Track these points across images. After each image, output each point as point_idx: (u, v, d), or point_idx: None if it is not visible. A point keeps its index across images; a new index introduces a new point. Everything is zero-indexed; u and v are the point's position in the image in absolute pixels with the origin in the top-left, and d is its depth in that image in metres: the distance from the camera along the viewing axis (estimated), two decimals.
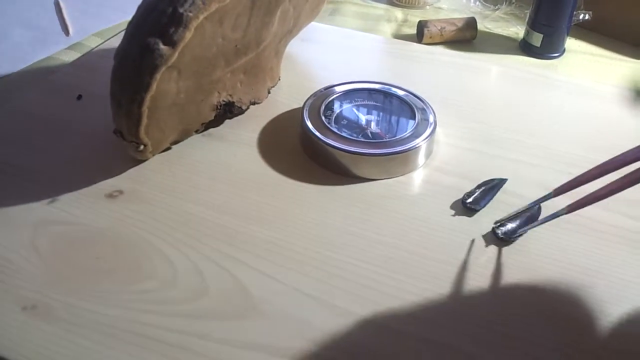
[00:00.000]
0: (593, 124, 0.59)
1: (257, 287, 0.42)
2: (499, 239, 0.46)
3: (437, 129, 0.54)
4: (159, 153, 0.53)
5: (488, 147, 0.56)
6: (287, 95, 0.62)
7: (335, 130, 0.53)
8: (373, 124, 0.54)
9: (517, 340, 0.39)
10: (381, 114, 0.56)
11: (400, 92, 0.58)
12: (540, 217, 0.46)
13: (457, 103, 0.62)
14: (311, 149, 0.54)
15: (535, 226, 0.45)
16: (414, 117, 0.55)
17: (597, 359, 0.38)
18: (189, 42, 0.45)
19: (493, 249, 0.45)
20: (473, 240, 0.46)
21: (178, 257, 0.44)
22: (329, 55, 0.70)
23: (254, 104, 0.59)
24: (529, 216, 0.47)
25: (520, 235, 0.46)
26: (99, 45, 0.72)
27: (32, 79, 0.67)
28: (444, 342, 0.39)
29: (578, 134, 0.58)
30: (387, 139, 0.52)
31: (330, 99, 0.57)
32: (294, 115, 0.58)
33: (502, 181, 0.51)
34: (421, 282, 0.43)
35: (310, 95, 0.57)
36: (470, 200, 0.49)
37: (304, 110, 0.55)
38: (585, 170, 0.41)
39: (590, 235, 0.47)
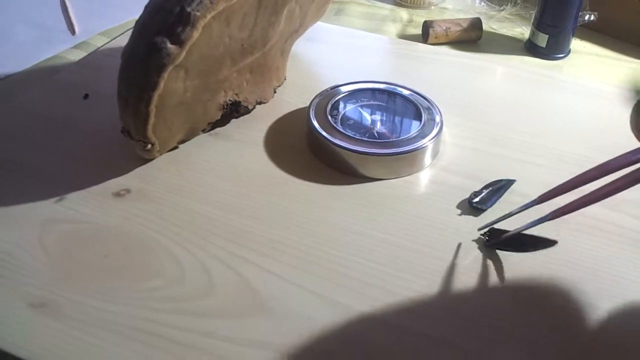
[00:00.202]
0: (598, 125, 0.59)
1: (263, 285, 0.42)
2: (486, 245, 0.46)
3: (444, 129, 0.54)
4: (166, 152, 0.53)
5: (494, 147, 0.56)
6: (293, 94, 0.62)
7: (342, 130, 0.53)
8: (379, 124, 0.54)
9: (515, 336, 0.39)
10: (387, 113, 0.56)
11: (406, 92, 0.58)
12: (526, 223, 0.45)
13: (462, 103, 0.62)
14: (317, 149, 0.54)
15: (520, 231, 0.44)
16: (420, 117, 0.55)
17: (591, 353, 0.39)
18: (196, 41, 0.45)
19: (501, 254, 0.45)
20: (478, 240, 0.46)
21: (185, 256, 0.44)
22: (334, 55, 0.70)
23: (260, 103, 0.60)
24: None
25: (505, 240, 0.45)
26: (105, 44, 0.72)
27: (38, 77, 0.67)
28: (450, 340, 0.39)
29: (583, 135, 0.58)
30: (394, 139, 0.52)
31: (337, 98, 0.57)
32: (300, 115, 0.58)
33: (509, 182, 0.51)
34: (427, 281, 0.43)
35: (317, 95, 0.57)
36: (476, 200, 0.49)
37: (310, 110, 0.55)
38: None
39: (585, 232, 0.47)
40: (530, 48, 0.78)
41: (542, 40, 0.75)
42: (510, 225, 0.45)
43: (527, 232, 0.44)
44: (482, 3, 0.87)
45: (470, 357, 0.38)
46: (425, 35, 0.79)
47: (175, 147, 0.54)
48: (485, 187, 0.50)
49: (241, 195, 0.50)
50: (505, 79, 0.67)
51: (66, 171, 0.51)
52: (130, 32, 0.48)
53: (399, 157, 0.51)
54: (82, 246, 0.45)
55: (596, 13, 0.77)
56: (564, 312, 0.41)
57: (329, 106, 0.55)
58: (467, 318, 0.40)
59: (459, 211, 0.49)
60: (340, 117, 0.55)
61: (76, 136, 0.56)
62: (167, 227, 0.46)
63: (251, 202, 0.49)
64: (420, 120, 0.54)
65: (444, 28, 0.78)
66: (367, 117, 0.55)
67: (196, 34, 0.45)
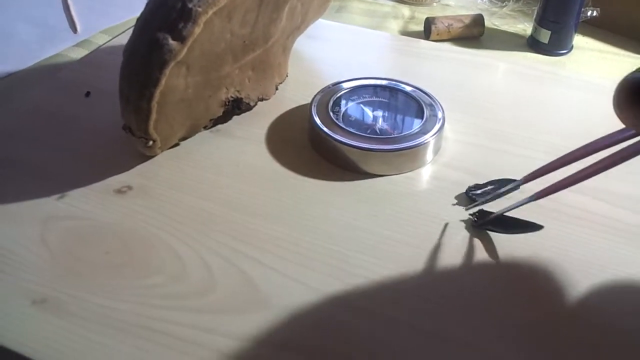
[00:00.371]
0: (601, 121, 0.59)
1: (265, 281, 0.42)
2: (474, 225, 0.47)
3: (446, 125, 0.54)
4: (167, 149, 0.53)
5: (496, 144, 0.56)
6: (294, 91, 0.62)
7: (344, 126, 0.53)
8: (381, 120, 0.54)
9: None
10: (389, 110, 0.56)
11: (408, 89, 0.58)
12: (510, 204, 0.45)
13: (464, 99, 0.62)
14: (319, 145, 0.54)
15: (506, 210, 0.44)
16: (422, 113, 0.54)
17: (573, 334, 0.39)
18: (198, 37, 0.45)
19: (500, 245, 0.45)
20: (479, 237, 0.46)
21: (186, 252, 0.44)
22: (336, 52, 0.70)
23: (261, 100, 0.59)
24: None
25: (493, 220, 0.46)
26: (106, 42, 0.72)
27: (40, 76, 0.67)
28: (447, 335, 0.39)
29: (586, 131, 0.57)
30: (395, 135, 0.52)
31: (338, 95, 0.57)
32: (301, 112, 0.58)
33: (515, 187, 0.50)
34: (431, 278, 0.43)
35: (318, 92, 0.57)
36: (477, 192, 0.49)
37: (312, 107, 0.55)
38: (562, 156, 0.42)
39: (573, 224, 0.47)
40: (532, 44, 0.78)
41: (545, 36, 0.75)
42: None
43: (515, 216, 0.45)
44: None
45: (487, 356, 0.38)
46: (427, 31, 0.79)
47: (177, 144, 0.54)
48: (490, 182, 0.50)
49: (243, 191, 0.50)
50: (508, 76, 0.67)
51: (68, 168, 0.51)
52: (131, 31, 0.48)
53: (400, 153, 0.51)
54: (84, 243, 0.45)
55: (598, 9, 0.76)
56: (554, 300, 0.41)
57: (331, 103, 0.55)
58: (476, 314, 0.40)
59: (461, 207, 0.48)
60: (342, 114, 0.55)
61: (78, 133, 0.56)
62: (168, 224, 0.46)
63: (253, 198, 0.49)
64: (422, 117, 0.54)
65: (446, 24, 0.78)
66: (369, 113, 0.55)
67: (198, 30, 0.45)
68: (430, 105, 0.56)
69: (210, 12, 0.45)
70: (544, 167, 0.42)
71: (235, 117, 0.58)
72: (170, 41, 0.44)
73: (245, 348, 0.38)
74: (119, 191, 0.49)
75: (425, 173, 0.52)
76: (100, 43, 0.72)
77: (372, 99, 0.57)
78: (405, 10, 0.87)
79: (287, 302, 0.41)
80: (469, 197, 0.49)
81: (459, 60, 0.69)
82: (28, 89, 0.63)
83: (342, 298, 0.41)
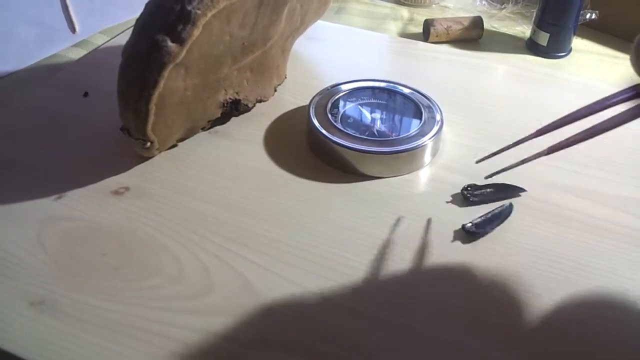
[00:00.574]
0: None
1: (262, 284, 0.42)
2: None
3: (444, 127, 0.54)
4: (166, 150, 0.53)
5: (494, 146, 0.55)
6: (293, 93, 0.62)
7: (342, 128, 0.53)
8: (379, 122, 0.54)
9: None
10: (387, 112, 0.56)
11: (407, 91, 0.58)
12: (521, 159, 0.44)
13: (463, 102, 0.62)
14: (317, 147, 0.54)
15: (514, 166, 0.43)
16: (420, 116, 0.54)
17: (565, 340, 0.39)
18: (197, 39, 0.45)
19: (499, 248, 0.45)
20: (475, 240, 0.46)
21: (184, 254, 0.44)
22: (335, 54, 0.70)
23: (260, 101, 0.59)
24: (499, 212, 0.48)
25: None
26: (105, 42, 0.72)
27: (38, 76, 0.67)
28: (445, 338, 0.39)
29: None
30: (394, 137, 0.52)
31: (337, 97, 0.57)
32: (300, 113, 0.58)
33: (516, 190, 0.50)
34: (429, 280, 0.43)
35: (317, 94, 0.57)
36: (475, 193, 0.49)
37: (311, 108, 0.55)
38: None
39: (564, 225, 0.47)
40: (531, 47, 0.78)
41: (543, 38, 0.75)
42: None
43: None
44: (483, 1, 0.87)
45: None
46: (426, 33, 0.79)
47: (175, 145, 0.54)
48: (488, 186, 0.50)
49: (241, 193, 0.50)
50: (506, 78, 0.67)
51: (65, 169, 0.51)
52: (130, 31, 0.48)
53: (398, 155, 0.51)
54: (81, 244, 0.45)
55: (597, 11, 0.76)
56: (551, 303, 0.41)
57: (329, 104, 0.55)
58: (473, 317, 0.40)
59: (459, 209, 0.48)
60: (340, 116, 0.55)
61: (76, 134, 0.56)
62: (166, 225, 0.46)
63: (251, 200, 0.49)
64: (421, 119, 0.54)
65: (445, 26, 0.78)
66: (367, 115, 0.55)
67: (197, 33, 0.45)
68: (429, 107, 0.56)
69: (209, 15, 0.45)
70: (555, 121, 0.41)
71: (233, 119, 0.58)
72: (169, 43, 0.44)
73: (242, 350, 0.38)
74: (117, 192, 0.49)
75: (423, 175, 0.52)
76: (99, 43, 0.72)
77: (370, 101, 0.57)
78: (404, 12, 0.87)
79: (285, 304, 0.41)
80: (463, 195, 0.49)
81: (458, 63, 0.69)
82: (27, 89, 0.63)
83: (339, 300, 0.41)
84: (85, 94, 0.61)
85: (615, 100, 0.37)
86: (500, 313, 0.41)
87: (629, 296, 0.42)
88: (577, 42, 0.78)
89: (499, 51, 0.77)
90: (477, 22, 0.79)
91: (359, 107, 0.56)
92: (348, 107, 0.56)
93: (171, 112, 0.49)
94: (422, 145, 0.51)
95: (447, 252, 0.45)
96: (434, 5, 0.89)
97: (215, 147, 0.55)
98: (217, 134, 0.56)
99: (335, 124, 0.53)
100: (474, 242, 0.46)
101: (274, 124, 0.58)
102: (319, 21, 0.67)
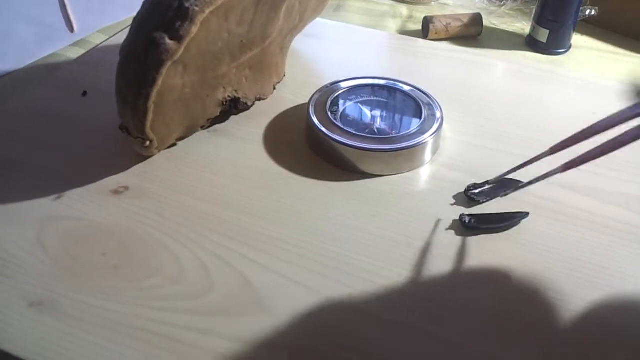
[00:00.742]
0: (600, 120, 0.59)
1: (263, 283, 0.42)
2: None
3: (444, 124, 0.54)
4: (165, 149, 0.53)
5: (495, 143, 0.56)
6: (292, 91, 0.62)
7: (342, 126, 0.52)
8: (379, 120, 0.54)
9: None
10: (387, 109, 0.56)
11: (406, 88, 0.58)
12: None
13: (463, 99, 0.62)
14: (317, 145, 0.53)
15: (527, 185, 0.44)
16: (420, 113, 0.54)
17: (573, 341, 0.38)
18: (195, 36, 0.45)
19: (499, 246, 0.45)
20: (477, 238, 0.46)
21: (183, 253, 0.44)
22: (334, 51, 0.70)
23: (259, 99, 0.59)
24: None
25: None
26: (103, 41, 0.72)
27: (37, 75, 0.67)
28: (446, 336, 0.39)
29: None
30: (394, 135, 0.52)
31: (336, 94, 0.57)
32: (299, 111, 0.58)
33: (515, 183, 0.50)
34: (429, 279, 0.43)
35: (316, 91, 0.57)
36: (475, 192, 0.49)
37: (310, 106, 0.55)
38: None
39: (573, 224, 0.47)
40: (531, 43, 0.77)
41: (543, 35, 0.75)
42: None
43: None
44: None
45: (486, 358, 0.38)
46: (426, 30, 0.78)
47: (174, 144, 0.54)
48: (488, 182, 0.50)
49: (240, 192, 0.49)
50: (506, 75, 0.67)
51: (65, 168, 0.51)
52: (128, 29, 0.48)
53: (398, 153, 0.51)
54: (81, 244, 0.44)
55: (597, 8, 0.76)
56: (554, 301, 0.41)
57: (329, 102, 0.55)
58: (475, 315, 0.40)
59: (460, 207, 0.48)
60: (340, 113, 0.55)
61: (74, 133, 0.55)
62: (165, 225, 0.46)
63: (250, 199, 0.49)
64: (421, 116, 0.54)
65: (444, 24, 0.77)
66: (367, 113, 0.55)
67: (195, 29, 0.45)
68: (429, 104, 0.55)
69: (207, 11, 0.44)
70: (569, 138, 0.41)
71: (232, 117, 0.58)
72: (167, 40, 0.44)
73: (243, 350, 0.38)
74: (116, 192, 0.49)
75: (424, 173, 0.52)
76: (97, 42, 0.72)
77: (370, 98, 0.57)
78: (404, 9, 0.87)
79: (285, 303, 0.41)
80: (467, 197, 0.49)
81: (457, 60, 0.69)
82: (25, 89, 0.63)
83: (339, 299, 0.41)
84: (84, 93, 0.61)
85: (627, 115, 0.37)
86: (506, 312, 0.41)
87: (631, 294, 0.42)
88: (577, 39, 0.78)
89: (498, 48, 0.77)
90: (477, 19, 0.78)
91: (359, 104, 0.56)
92: (348, 105, 0.56)
93: (170, 110, 0.49)
94: (423, 143, 0.51)
95: (448, 250, 0.45)
96: (433, 3, 0.89)
97: (214, 145, 0.54)
98: (216, 132, 0.56)
99: (334, 121, 0.53)
100: (476, 240, 0.45)
101: (274, 122, 0.58)
102: (317, 19, 0.67)
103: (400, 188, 0.50)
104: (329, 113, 0.54)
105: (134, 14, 0.47)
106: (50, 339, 0.38)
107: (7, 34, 0.67)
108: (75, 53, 0.71)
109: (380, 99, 0.57)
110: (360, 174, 0.51)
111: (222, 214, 0.47)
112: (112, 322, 0.39)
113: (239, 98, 0.56)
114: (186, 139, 0.55)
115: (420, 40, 0.74)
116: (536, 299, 0.41)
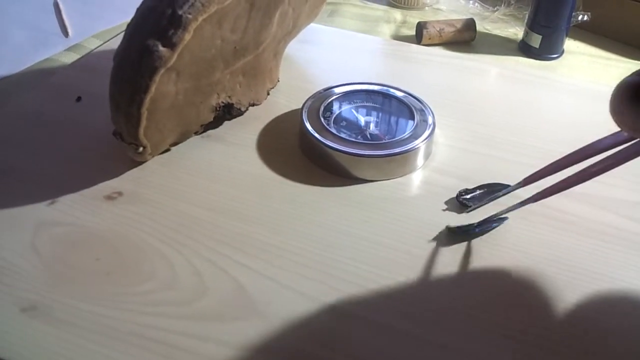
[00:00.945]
0: (592, 125, 0.59)
1: (256, 288, 0.42)
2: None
3: (436, 130, 0.54)
4: (158, 155, 0.53)
5: (487, 149, 0.56)
6: (286, 96, 0.62)
7: (334, 131, 0.53)
8: (372, 125, 0.54)
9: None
10: (380, 115, 0.56)
11: (399, 94, 0.58)
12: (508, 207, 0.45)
13: (455, 104, 0.62)
14: (310, 151, 0.54)
15: (502, 214, 0.45)
16: (412, 119, 0.55)
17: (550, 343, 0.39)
18: (188, 43, 0.45)
19: (492, 252, 0.45)
20: (469, 243, 0.46)
21: (177, 259, 0.44)
22: (328, 57, 0.70)
23: (253, 105, 0.59)
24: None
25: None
26: (98, 46, 0.72)
27: (31, 80, 0.67)
28: (441, 342, 0.39)
29: (577, 136, 0.57)
30: (386, 140, 0.52)
31: (329, 100, 0.57)
32: (293, 117, 0.58)
33: (505, 187, 0.50)
34: (422, 283, 0.43)
35: (309, 97, 0.57)
36: (466, 197, 0.49)
37: (303, 112, 0.55)
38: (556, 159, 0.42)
39: (553, 226, 0.47)
40: (523, 48, 0.78)
41: (536, 40, 0.75)
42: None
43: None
44: (476, 4, 0.88)
45: None
46: (419, 36, 0.79)
47: (168, 150, 0.54)
48: (480, 187, 0.50)
49: (234, 197, 0.50)
50: (499, 80, 0.67)
51: (58, 174, 0.51)
52: (122, 35, 0.48)
53: (391, 158, 0.51)
54: (74, 249, 0.44)
55: (589, 13, 0.77)
56: (547, 306, 0.41)
57: (322, 108, 0.55)
58: (468, 320, 0.40)
59: (451, 213, 0.49)
60: (333, 119, 0.55)
61: (68, 139, 0.55)
62: (159, 230, 0.46)
63: (244, 204, 0.49)
64: (413, 122, 0.54)
65: (438, 29, 0.78)
66: (360, 118, 0.55)
67: (188, 37, 0.45)
68: (421, 110, 0.56)
69: (200, 19, 0.45)
70: (541, 170, 0.42)
71: (226, 123, 0.58)
72: (161, 48, 0.44)
73: (237, 355, 0.38)
74: (110, 197, 0.49)
75: (416, 178, 0.52)
76: (92, 47, 0.72)
77: (363, 104, 0.57)
78: (397, 15, 0.87)
79: (278, 308, 0.41)
80: (459, 202, 0.49)
81: (451, 65, 0.70)
82: (19, 94, 0.63)
83: (332, 304, 0.41)
84: (78, 99, 0.61)
85: (601, 147, 0.38)
86: (497, 315, 0.41)
87: (627, 298, 0.42)
88: (570, 44, 0.79)
89: (491, 53, 0.78)
90: (470, 24, 0.79)
91: (352, 110, 0.56)
92: (341, 111, 0.56)
93: (163, 117, 0.49)
94: (415, 148, 0.52)
95: (441, 255, 0.45)
96: (426, 8, 0.89)
97: (208, 151, 0.55)
98: (210, 138, 0.56)
99: (328, 127, 0.53)
100: (467, 245, 0.46)
101: (267, 127, 0.58)
102: (311, 24, 0.67)
103: (392, 193, 0.51)
104: (322, 119, 0.54)
105: (128, 18, 0.47)
106: (43, 345, 0.38)
107: (2, 38, 0.67)
108: (70, 58, 0.71)
109: (373, 104, 0.57)
110: (353, 180, 0.52)
111: (215, 220, 0.47)
112: (105, 327, 0.39)
113: (232, 104, 0.56)
114: (180, 145, 0.55)
115: (413, 45, 0.75)
116: (528, 304, 0.42)
